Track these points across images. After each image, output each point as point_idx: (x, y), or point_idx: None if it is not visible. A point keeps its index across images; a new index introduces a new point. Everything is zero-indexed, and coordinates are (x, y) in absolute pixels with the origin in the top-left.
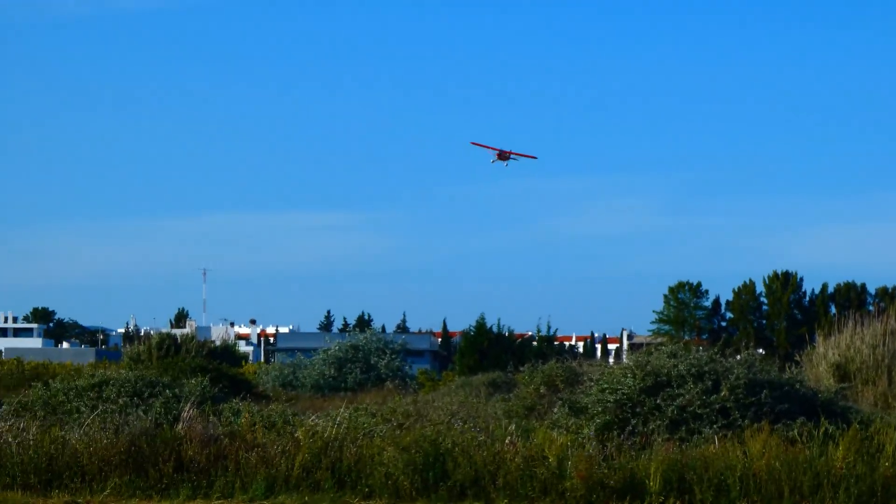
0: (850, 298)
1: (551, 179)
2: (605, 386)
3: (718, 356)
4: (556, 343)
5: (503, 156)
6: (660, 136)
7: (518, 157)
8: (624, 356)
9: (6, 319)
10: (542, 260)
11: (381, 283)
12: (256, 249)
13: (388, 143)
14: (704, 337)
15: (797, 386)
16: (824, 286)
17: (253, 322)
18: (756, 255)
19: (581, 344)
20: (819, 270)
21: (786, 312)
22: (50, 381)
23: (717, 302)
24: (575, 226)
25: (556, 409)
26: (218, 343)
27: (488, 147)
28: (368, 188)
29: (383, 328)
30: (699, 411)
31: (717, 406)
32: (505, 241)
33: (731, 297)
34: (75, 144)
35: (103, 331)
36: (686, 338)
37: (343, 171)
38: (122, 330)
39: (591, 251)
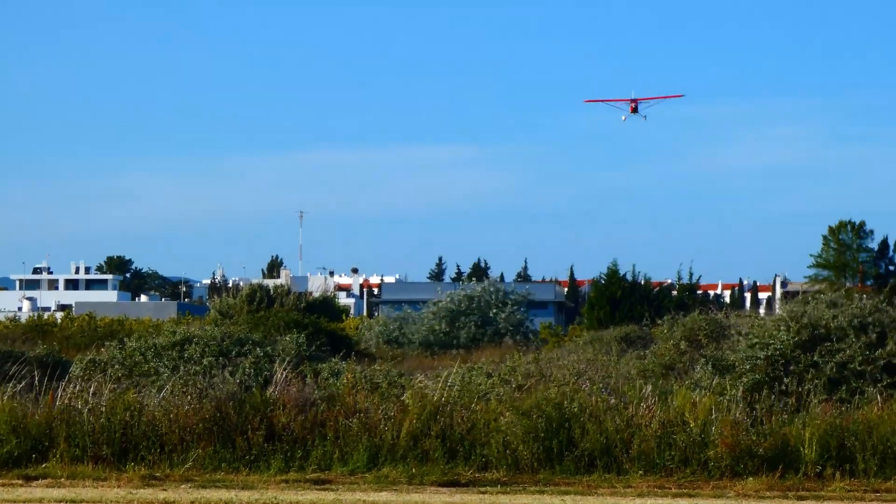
0: None
1: (695, 106)
2: (755, 340)
3: (885, 305)
4: (698, 292)
5: (636, 108)
6: (823, 54)
7: (656, 101)
8: (777, 306)
9: (77, 270)
10: (685, 198)
11: (500, 227)
12: (359, 189)
13: (508, 64)
14: (869, 283)
15: None
16: None
17: (355, 271)
18: None
19: (728, 293)
20: None
21: None
22: (126, 339)
23: (884, 243)
24: (722, 158)
25: (698, 368)
26: (316, 295)
27: (611, 101)
28: (487, 118)
29: (502, 277)
30: (862, 368)
31: (883, 362)
32: (642, 178)
33: None
34: (152, 73)
35: (186, 282)
36: (848, 284)
37: (457, 99)
38: (207, 281)
39: (740, 187)
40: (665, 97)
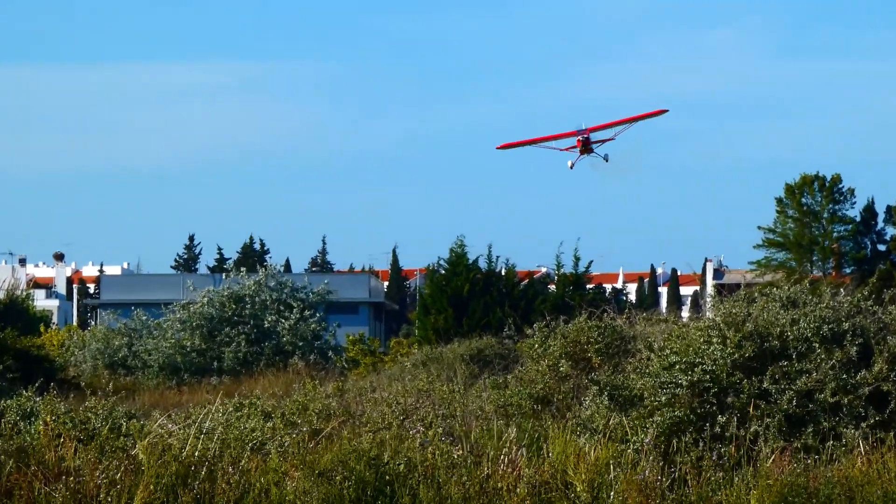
0: None
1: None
2: (675, 359)
3: (870, 304)
4: (588, 286)
5: (587, 146)
6: None
7: (626, 125)
8: (707, 306)
9: None
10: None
11: (279, 187)
12: (64, 131)
13: None
14: (848, 271)
15: None
16: None
17: (59, 258)
18: None
19: (633, 286)
20: None
21: None
22: None
23: (869, 209)
24: (619, 81)
25: (587, 401)
26: None
27: (541, 141)
28: (257, 22)
29: (287, 265)
30: (836, 400)
31: (868, 390)
32: (496, 110)
33: (894, 200)
34: None
35: None
36: (815, 272)
37: None
38: None
39: (646, 126)
40: (642, 116)
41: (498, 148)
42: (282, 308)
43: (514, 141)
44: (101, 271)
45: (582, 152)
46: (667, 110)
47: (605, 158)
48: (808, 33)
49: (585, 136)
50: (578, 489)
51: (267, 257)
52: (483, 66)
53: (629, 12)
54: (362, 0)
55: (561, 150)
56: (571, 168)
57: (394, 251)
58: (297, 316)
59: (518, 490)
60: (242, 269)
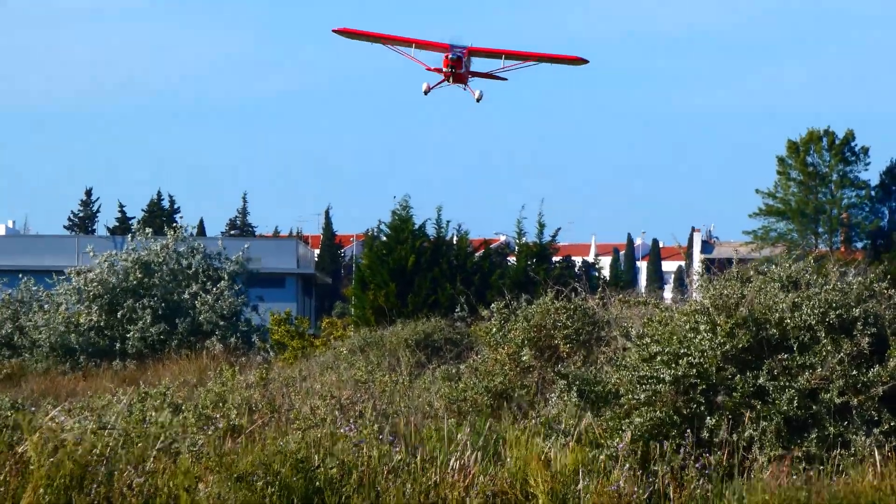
0: None
1: None
2: (656, 349)
3: (885, 286)
4: (555, 259)
5: (457, 72)
6: None
7: (516, 66)
8: (693, 285)
9: None
10: (529, 92)
11: (192, 133)
12: None
13: None
14: (860, 245)
15: None
16: None
17: None
18: None
19: (607, 260)
20: None
21: None
22: None
23: (891, 172)
24: (588, 11)
25: (553, 398)
26: None
27: (388, 39)
28: None
29: (201, 227)
30: (845, 400)
31: (881, 391)
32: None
33: None
34: None
35: None
36: (822, 247)
37: None
38: None
39: (619, 67)
40: (552, 57)
41: (334, 31)
42: (197, 276)
43: (357, 29)
44: None
45: (448, 77)
46: (587, 61)
47: (479, 97)
48: None
49: (459, 54)
50: (541, 501)
51: (177, 217)
52: None
53: None
54: None
55: (423, 65)
56: (426, 94)
57: (326, 213)
58: (215, 287)
59: (469, 500)
60: (149, 230)
